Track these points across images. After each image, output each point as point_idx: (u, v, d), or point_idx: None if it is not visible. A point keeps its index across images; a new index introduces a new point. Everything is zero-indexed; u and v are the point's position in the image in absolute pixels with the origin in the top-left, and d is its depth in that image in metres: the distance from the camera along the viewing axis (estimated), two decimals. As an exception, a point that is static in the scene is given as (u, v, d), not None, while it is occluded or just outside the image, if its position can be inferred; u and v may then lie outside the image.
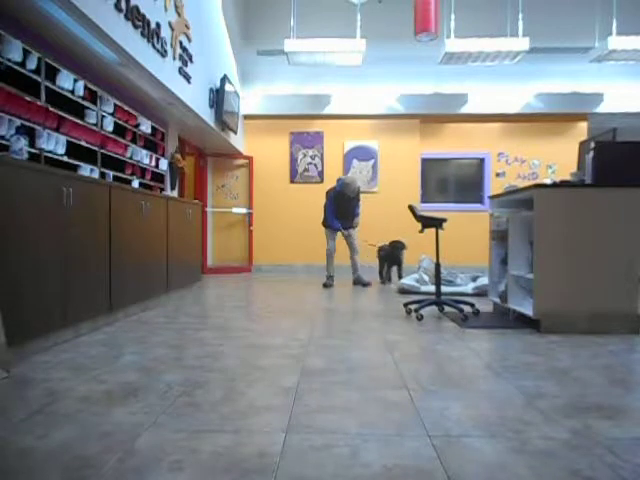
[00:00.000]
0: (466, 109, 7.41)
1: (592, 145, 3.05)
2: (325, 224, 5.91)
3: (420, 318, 3.36)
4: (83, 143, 3.86)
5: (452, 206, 7.78)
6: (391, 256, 5.95)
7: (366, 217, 7.44)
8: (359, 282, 5.75)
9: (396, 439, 1.39)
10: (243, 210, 7.69)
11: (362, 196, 8.03)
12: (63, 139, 3.57)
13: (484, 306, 3.84)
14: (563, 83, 7.29)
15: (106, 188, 3.06)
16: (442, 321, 3.37)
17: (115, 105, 4.35)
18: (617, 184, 2.93)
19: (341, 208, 5.78)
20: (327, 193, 5.94)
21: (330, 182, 7.68)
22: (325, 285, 5.65)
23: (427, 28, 5.06)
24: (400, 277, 5.77)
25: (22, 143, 2.95)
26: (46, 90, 3.39)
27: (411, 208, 3.67)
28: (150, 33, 3.91)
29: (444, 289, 4.29)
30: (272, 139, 7.76)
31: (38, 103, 3.30)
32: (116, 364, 2.17)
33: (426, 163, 7.87)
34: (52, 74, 3.45)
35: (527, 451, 1.31)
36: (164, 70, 4.25)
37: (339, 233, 5.91)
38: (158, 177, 5.45)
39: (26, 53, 3.15)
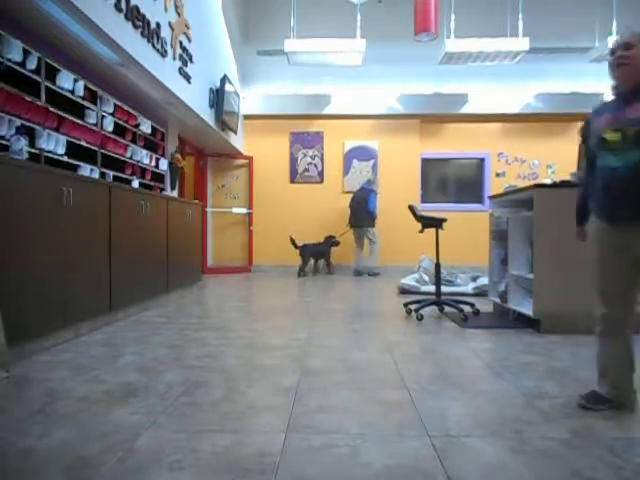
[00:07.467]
0: (466, 109, 7.40)
1: (592, 145, 3.04)
2: (373, 220, 7.07)
3: (420, 318, 3.36)
4: (83, 143, 3.86)
5: (452, 206, 7.77)
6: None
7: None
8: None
9: (396, 439, 1.39)
10: (243, 210, 7.68)
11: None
12: (63, 139, 3.57)
13: (484, 306, 3.83)
14: (563, 83, 7.29)
15: (106, 188, 3.05)
16: (442, 321, 3.37)
17: (115, 105, 4.35)
18: (617, 184, 2.92)
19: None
20: (372, 191, 7.06)
21: (330, 182, 7.72)
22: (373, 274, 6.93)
23: (427, 28, 5.06)
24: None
25: (22, 143, 2.95)
26: (46, 90, 3.39)
27: (411, 208, 3.67)
28: (150, 33, 3.91)
29: (444, 289, 4.28)
30: (272, 139, 7.76)
31: (38, 103, 3.30)
32: (116, 364, 2.17)
33: (426, 163, 7.86)
34: (52, 74, 3.44)
35: (527, 451, 1.31)
36: (164, 70, 4.25)
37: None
38: (158, 177, 5.44)
39: (26, 53, 3.15)
